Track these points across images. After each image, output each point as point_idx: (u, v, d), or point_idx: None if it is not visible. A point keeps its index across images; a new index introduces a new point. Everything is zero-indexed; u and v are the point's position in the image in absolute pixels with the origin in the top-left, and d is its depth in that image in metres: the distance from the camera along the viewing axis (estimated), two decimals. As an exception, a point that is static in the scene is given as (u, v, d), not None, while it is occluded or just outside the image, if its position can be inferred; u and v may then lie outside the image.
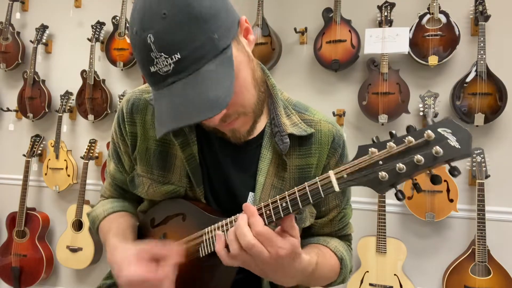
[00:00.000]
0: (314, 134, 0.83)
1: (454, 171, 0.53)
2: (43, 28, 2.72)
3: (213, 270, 0.76)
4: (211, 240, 0.73)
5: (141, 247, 0.73)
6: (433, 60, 2.06)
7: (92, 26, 2.61)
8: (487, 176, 1.96)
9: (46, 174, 2.64)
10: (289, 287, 0.73)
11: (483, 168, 1.96)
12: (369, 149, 0.57)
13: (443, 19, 2.08)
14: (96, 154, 2.59)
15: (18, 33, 2.80)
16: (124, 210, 0.94)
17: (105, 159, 2.64)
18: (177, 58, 0.59)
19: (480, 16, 2.01)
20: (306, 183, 0.63)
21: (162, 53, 0.59)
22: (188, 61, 0.60)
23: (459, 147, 0.52)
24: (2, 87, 2.92)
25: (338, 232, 0.92)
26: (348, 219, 0.93)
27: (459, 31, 2.06)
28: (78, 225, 2.51)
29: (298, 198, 0.62)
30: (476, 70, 2.01)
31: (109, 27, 2.63)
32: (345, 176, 0.59)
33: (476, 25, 2.05)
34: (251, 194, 0.82)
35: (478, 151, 2.00)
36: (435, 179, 0.54)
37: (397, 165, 0.54)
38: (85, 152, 2.56)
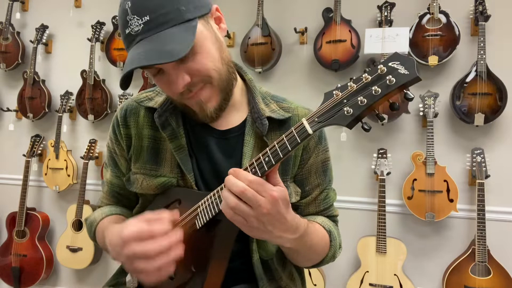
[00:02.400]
0: (292, 117, 0.91)
1: (407, 95, 0.60)
2: (43, 28, 2.72)
3: (212, 239, 0.79)
4: (206, 209, 0.76)
5: (134, 218, 0.72)
6: (433, 60, 2.06)
7: (92, 26, 2.61)
8: (487, 176, 1.96)
9: (46, 174, 2.64)
10: (288, 247, 0.76)
11: (483, 168, 1.96)
12: (334, 92, 0.64)
13: (443, 19, 2.08)
14: (96, 154, 2.59)
15: (18, 33, 2.80)
16: (121, 214, 0.98)
17: (105, 159, 2.64)
18: (146, 20, 0.71)
19: (480, 16, 2.01)
20: (283, 134, 0.67)
21: (135, 15, 0.71)
22: (155, 23, 0.71)
23: (408, 73, 0.58)
24: (2, 87, 2.92)
25: (324, 212, 0.97)
26: (332, 201, 0.98)
27: (459, 31, 2.06)
28: (78, 225, 2.51)
29: (278, 149, 0.67)
30: (476, 70, 2.01)
31: (109, 27, 2.64)
32: (316, 119, 0.65)
33: (476, 25, 2.05)
34: None
35: (478, 151, 2.00)
36: (393, 106, 0.61)
37: (359, 99, 0.60)
38: (85, 152, 2.56)
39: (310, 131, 0.64)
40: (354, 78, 0.63)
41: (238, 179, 0.65)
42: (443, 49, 2.07)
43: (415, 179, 2.08)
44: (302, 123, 0.65)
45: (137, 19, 0.71)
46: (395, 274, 2.03)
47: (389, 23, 2.15)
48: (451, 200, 2.02)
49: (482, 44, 1.99)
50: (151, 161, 0.91)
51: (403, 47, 2.07)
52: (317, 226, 0.88)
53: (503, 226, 2.06)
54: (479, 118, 2.00)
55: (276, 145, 0.67)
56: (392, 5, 2.17)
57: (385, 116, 2.10)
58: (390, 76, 0.58)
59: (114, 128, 0.96)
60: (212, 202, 0.75)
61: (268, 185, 0.65)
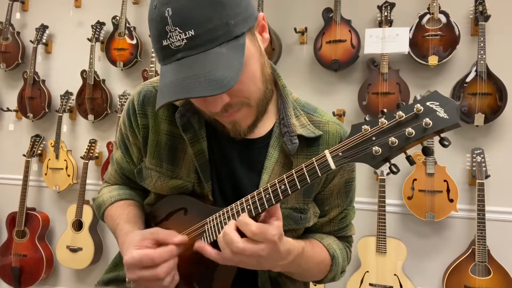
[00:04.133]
0: (322, 136, 0.85)
1: (444, 142, 0.55)
2: (43, 28, 2.72)
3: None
4: (213, 228, 0.74)
5: (144, 233, 0.75)
6: (433, 60, 2.06)
7: (92, 26, 2.61)
8: (487, 176, 1.96)
9: (46, 174, 2.64)
10: (277, 271, 0.77)
11: (483, 168, 1.96)
12: (362, 127, 0.59)
13: (443, 19, 2.08)
14: (96, 154, 2.59)
15: (18, 33, 2.80)
16: (131, 198, 0.95)
17: (105, 159, 2.64)
18: (190, 35, 0.61)
19: (480, 16, 2.01)
20: (303, 164, 0.64)
21: (177, 28, 0.61)
22: (201, 40, 0.61)
23: (448, 117, 0.54)
24: (2, 87, 2.92)
25: (338, 232, 0.93)
26: (350, 220, 0.94)
27: (459, 31, 2.06)
28: (78, 225, 2.51)
29: (296, 179, 0.64)
30: (476, 70, 2.01)
31: (109, 27, 2.63)
32: (340, 154, 0.61)
33: (476, 25, 2.05)
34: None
35: (478, 151, 2.00)
36: (426, 151, 0.56)
37: (390, 139, 0.56)
38: (85, 152, 2.56)
39: (332, 166, 0.61)
40: (386, 112, 0.58)
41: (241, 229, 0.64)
42: (443, 49, 2.07)
43: (415, 179, 2.08)
44: (325, 155, 0.62)
45: (179, 32, 0.61)
46: (395, 274, 2.03)
47: (389, 23, 2.15)
48: (451, 200, 2.02)
49: (482, 44, 1.99)
50: (168, 160, 0.84)
51: (403, 47, 2.07)
52: (318, 249, 0.85)
53: (503, 226, 2.06)
54: (479, 118, 2.00)
55: (294, 174, 0.64)
56: (392, 5, 2.17)
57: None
58: (427, 119, 0.54)
59: (129, 113, 0.87)
60: (221, 222, 0.73)
61: (270, 231, 0.64)
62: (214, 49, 0.62)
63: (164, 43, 0.63)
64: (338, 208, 0.90)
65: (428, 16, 2.10)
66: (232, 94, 0.68)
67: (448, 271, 2.01)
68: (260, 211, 0.68)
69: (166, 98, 0.62)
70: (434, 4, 2.08)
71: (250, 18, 0.67)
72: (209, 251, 0.69)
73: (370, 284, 2.05)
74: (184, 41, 0.61)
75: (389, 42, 2.09)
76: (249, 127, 0.77)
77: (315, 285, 2.17)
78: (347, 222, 0.93)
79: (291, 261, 0.71)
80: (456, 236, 2.13)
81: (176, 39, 0.61)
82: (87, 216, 2.50)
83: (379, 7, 2.19)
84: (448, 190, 2.03)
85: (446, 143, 0.55)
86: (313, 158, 0.63)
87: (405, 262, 2.05)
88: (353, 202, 0.94)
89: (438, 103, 0.55)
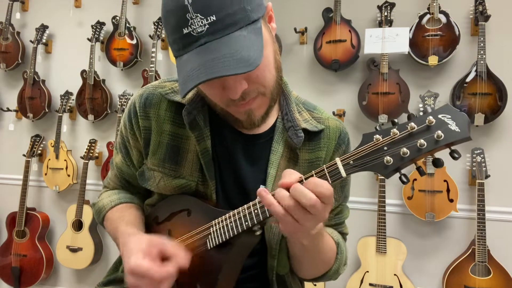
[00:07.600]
0: (324, 130, 0.87)
1: (454, 154, 0.56)
2: (43, 28, 2.72)
3: (221, 261, 0.77)
4: (219, 231, 0.74)
5: (152, 240, 0.73)
6: (433, 60, 2.06)
7: (92, 26, 2.61)
8: (487, 176, 1.96)
9: (46, 174, 2.64)
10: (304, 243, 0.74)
11: (483, 168, 1.96)
12: (374, 136, 0.60)
13: (443, 19, 2.08)
14: (96, 154, 2.59)
15: (18, 33, 2.80)
16: (131, 202, 0.95)
17: (105, 159, 2.64)
18: (212, 20, 0.62)
19: (480, 16, 2.01)
20: (313, 170, 0.64)
21: (198, 14, 0.62)
22: (222, 24, 0.62)
23: (459, 130, 0.55)
24: (2, 87, 2.92)
25: (334, 227, 0.95)
26: (344, 218, 0.95)
27: (459, 31, 2.06)
28: (78, 225, 2.51)
29: None
30: (476, 70, 2.01)
31: (109, 27, 2.63)
32: (351, 162, 0.62)
33: (476, 25, 2.05)
34: (262, 187, 0.82)
35: (478, 151, 2.00)
36: (437, 162, 0.57)
37: (401, 149, 0.57)
38: (85, 152, 2.56)
39: (343, 174, 0.62)
40: (398, 122, 0.59)
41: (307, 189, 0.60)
42: (443, 49, 2.07)
43: (415, 179, 2.08)
44: (336, 163, 0.62)
45: (201, 18, 0.62)
46: (395, 274, 2.03)
47: (389, 23, 2.15)
48: (451, 200, 2.02)
49: (482, 44, 1.99)
50: (170, 160, 0.84)
51: (403, 47, 2.07)
52: (327, 233, 0.85)
53: (503, 226, 2.06)
54: (479, 118, 2.00)
55: (304, 181, 0.64)
56: (392, 5, 2.17)
57: (385, 116, 2.10)
58: (439, 131, 0.55)
59: (130, 116, 0.87)
60: (227, 225, 0.73)
61: (329, 192, 0.61)
62: (236, 32, 0.63)
63: (185, 31, 0.63)
64: (334, 203, 0.91)
65: (428, 16, 2.10)
66: (250, 81, 0.69)
67: (448, 271, 2.01)
68: (268, 215, 0.69)
69: (195, 81, 0.62)
70: (434, 4, 2.08)
71: (262, 6, 0.70)
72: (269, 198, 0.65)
73: (370, 284, 2.05)
74: (206, 27, 0.62)
75: (389, 42, 2.09)
76: (263, 117, 0.78)
77: (314, 284, 2.17)
78: (342, 218, 0.95)
79: (317, 232, 0.70)
80: (456, 236, 2.13)
81: (198, 25, 0.62)
82: (87, 216, 2.50)
83: (379, 7, 2.19)
84: (448, 190, 2.03)
85: (457, 156, 0.56)
86: (324, 165, 0.64)
87: (405, 262, 2.05)
88: (348, 199, 0.95)
89: (450, 116, 0.56)
